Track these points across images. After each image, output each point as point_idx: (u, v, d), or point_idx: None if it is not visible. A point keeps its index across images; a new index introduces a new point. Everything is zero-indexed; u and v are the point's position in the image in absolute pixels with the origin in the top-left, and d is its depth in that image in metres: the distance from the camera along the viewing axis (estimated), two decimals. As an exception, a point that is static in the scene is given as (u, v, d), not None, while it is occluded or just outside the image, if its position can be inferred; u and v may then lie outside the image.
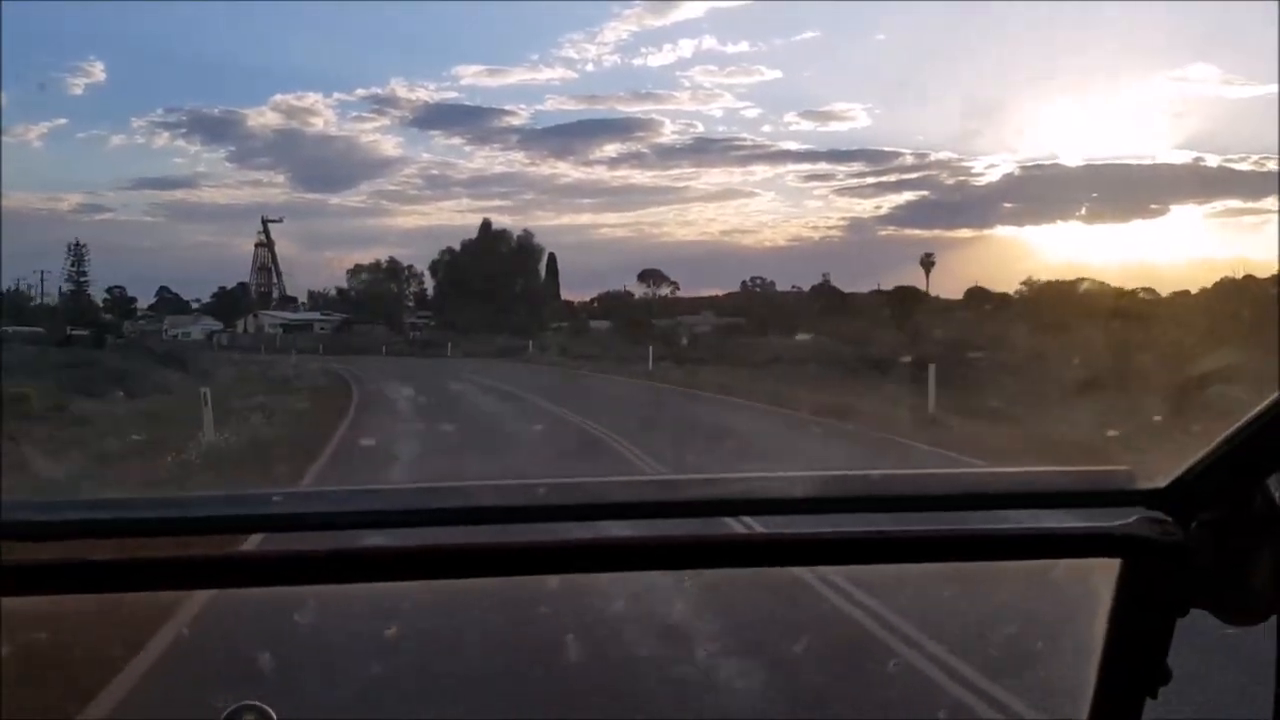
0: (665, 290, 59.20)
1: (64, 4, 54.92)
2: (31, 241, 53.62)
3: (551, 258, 59.69)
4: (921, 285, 50.35)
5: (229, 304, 72.56)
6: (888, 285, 51.24)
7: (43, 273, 55.40)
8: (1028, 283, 43.51)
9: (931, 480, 1.53)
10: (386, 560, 1.25)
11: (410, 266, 64.79)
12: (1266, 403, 1.18)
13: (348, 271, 66.01)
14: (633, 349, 39.22)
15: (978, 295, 45.86)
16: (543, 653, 5.31)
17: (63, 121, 62.76)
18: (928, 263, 52.51)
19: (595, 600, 5.79)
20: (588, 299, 64.47)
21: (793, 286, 55.63)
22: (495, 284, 55.57)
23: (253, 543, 1.35)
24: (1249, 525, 1.24)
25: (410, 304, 65.35)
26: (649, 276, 60.09)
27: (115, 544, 1.19)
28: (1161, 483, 1.31)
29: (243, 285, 78.58)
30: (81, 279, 56.92)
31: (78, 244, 53.85)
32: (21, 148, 52.18)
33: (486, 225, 59.51)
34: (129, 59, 56.98)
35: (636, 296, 61.89)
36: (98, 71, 55.08)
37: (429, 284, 63.15)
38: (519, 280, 57.55)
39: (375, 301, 63.17)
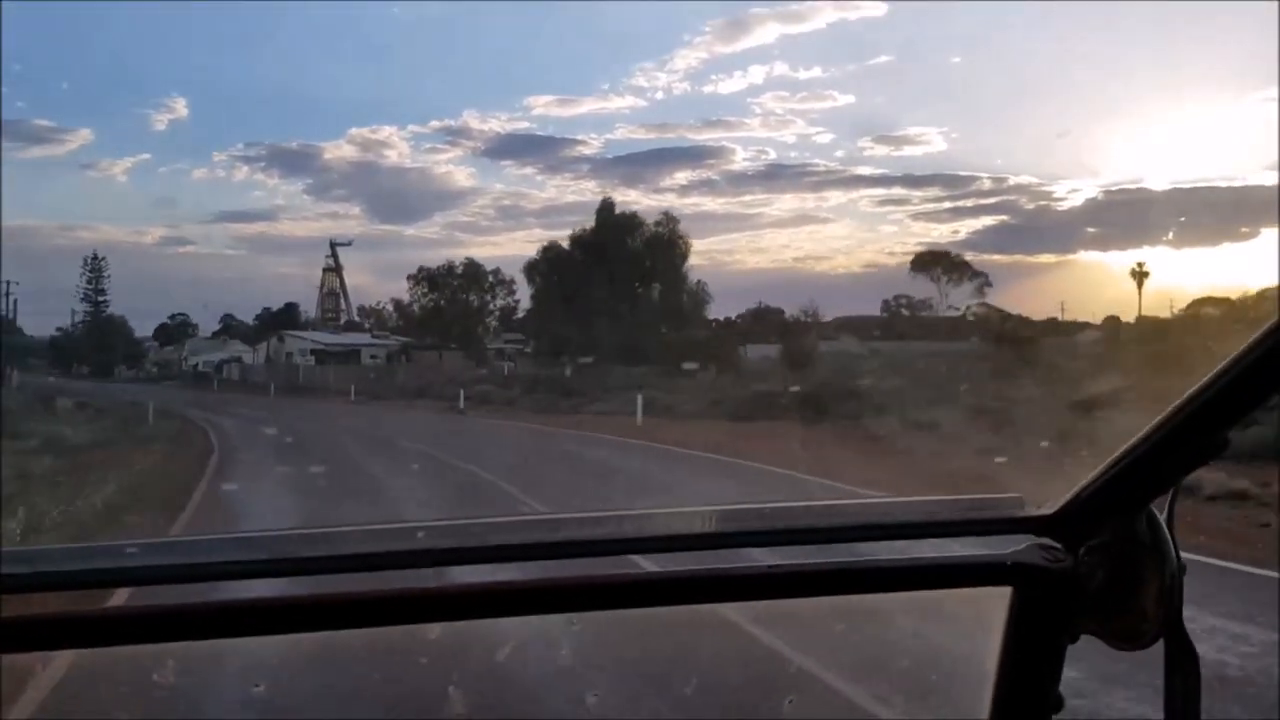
0: (973, 283, 43.96)
1: (150, 43, 65.33)
2: (115, 273, 54.17)
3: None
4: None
5: (268, 326, 61.93)
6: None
7: (8, 284, 46.13)
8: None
9: (825, 511, 1.51)
10: (263, 613, 1.22)
11: (497, 270, 47.13)
12: (1148, 428, 1.20)
13: (408, 278, 48.87)
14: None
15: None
16: (425, 707, 5.06)
17: (146, 157, 65.97)
18: (1140, 274, 47.72)
19: (480, 649, 4.67)
20: (716, 319, 52.03)
21: (949, 307, 49.03)
22: (624, 290, 36.72)
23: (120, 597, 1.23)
24: (1135, 551, 1.27)
25: (494, 323, 47.94)
26: (936, 264, 40.59)
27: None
28: (1049, 509, 1.34)
29: (289, 305, 67.15)
30: (100, 299, 52.22)
31: (94, 257, 50.04)
32: (108, 182, 55.75)
33: (608, 208, 41.12)
34: (210, 95, 59.53)
35: (787, 315, 48.58)
36: (180, 108, 57.21)
37: (522, 293, 45.56)
38: (657, 285, 38.59)
39: (445, 319, 45.26)
